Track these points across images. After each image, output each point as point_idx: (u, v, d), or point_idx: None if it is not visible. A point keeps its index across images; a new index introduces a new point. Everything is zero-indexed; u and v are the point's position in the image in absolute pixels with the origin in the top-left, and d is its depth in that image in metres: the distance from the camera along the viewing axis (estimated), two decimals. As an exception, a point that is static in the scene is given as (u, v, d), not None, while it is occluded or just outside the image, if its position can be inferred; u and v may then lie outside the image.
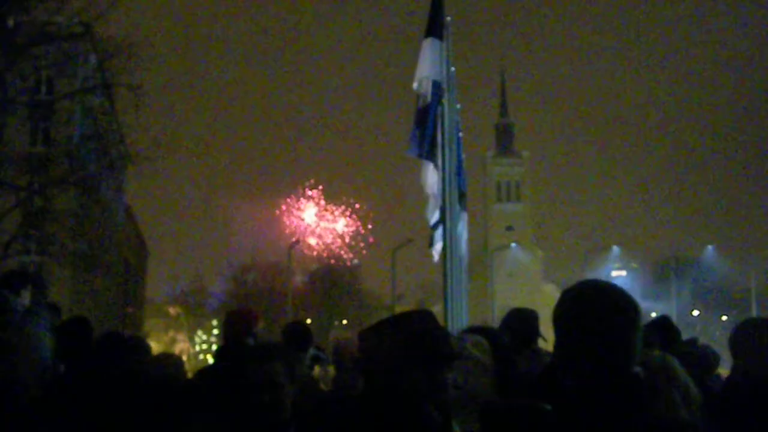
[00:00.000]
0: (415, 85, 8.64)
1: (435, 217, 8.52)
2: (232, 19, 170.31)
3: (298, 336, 6.66)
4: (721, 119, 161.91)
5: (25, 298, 6.36)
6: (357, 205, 68.86)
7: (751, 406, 3.76)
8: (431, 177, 8.43)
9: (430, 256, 8.94)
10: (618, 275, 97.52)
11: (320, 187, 65.77)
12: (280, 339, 6.66)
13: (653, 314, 6.87)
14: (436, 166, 8.42)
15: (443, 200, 8.47)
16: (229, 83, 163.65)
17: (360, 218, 70.22)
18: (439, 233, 8.60)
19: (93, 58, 34.13)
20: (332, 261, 71.43)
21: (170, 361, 5.27)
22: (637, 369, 2.34)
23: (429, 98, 8.52)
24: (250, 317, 5.60)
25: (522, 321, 6.04)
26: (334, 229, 70.30)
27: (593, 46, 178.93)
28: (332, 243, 71.03)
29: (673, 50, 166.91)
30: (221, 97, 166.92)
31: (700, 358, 6.27)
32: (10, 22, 29.02)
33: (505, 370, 3.77)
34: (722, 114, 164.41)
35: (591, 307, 2.34)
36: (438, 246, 8.73)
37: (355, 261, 74.47)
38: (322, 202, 70.82)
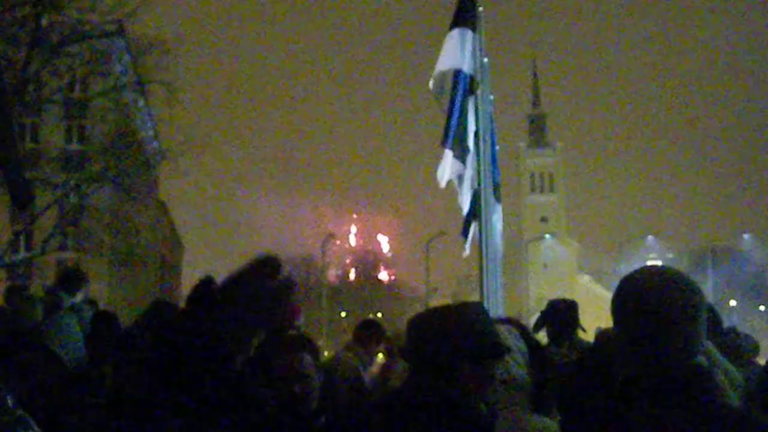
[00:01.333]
0: (436, 74, 8.59)
1: (466, 206, 8.49)
2: (264, 13, 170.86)
3: (370, 332, 6.86)
4: (759, 104, 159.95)
5: (78, 298, 6.45)
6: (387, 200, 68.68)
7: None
8: (452, 167, 8.38)
9: (463, 248, 8.91)
10: (653, 265, 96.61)
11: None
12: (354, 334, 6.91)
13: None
14: (458, 157, 8.36)
15: (478, 192, 8.42)
16: (262, 78, 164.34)
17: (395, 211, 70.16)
18: (472, 227, 8.56)
19: (126, 56, 34.38)
20: (368, 249, 71.60)
21: None
22: (700, 358, 2.30)
23: (451, 90, 8.47)
24: (293, 310, 5.64)
25: (561, 312, 6.02)
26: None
27: (626, 34, 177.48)
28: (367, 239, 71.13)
29: (705, 36, 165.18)
30: (256, 91, 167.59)
31: (740, 347, 6.21)
32: (44, 22, 29.28)
33: (541, 360, 3.75)
34: (760, 99, 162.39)
35: (655, 293, 2.29)
36: (469, 240, 8.71)
37: (389, 254, 74.67)
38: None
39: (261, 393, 3.52)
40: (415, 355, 2.73)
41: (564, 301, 6.22)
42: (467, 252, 8.90)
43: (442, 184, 8.32)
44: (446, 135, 8.31)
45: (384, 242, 79.27)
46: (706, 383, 2.25)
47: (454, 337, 2.62)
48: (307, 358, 3.49)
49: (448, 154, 8.34)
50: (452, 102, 8.45)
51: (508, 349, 2.89)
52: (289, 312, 5.62)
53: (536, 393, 3.45)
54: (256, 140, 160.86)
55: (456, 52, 8.59)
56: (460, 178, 8.49)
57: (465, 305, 2.80)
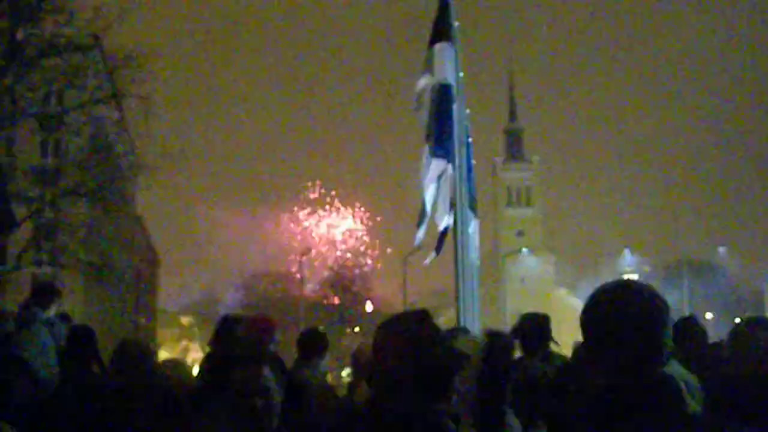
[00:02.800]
0: (418, 89, 8.67)
1: (444, 222, 8.50)
2: (239, 29, 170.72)
3: (314, 342, 6.70)
4: (733, 120, 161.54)
5: (52, 311, 6.43)
6: (363, 210, 68.85)
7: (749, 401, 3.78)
8: (432, 175, 8.42)
9: (430, 257, 8.93)
10: (619, 280, 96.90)
11: (325, 191, 65.71)
12: (295, 347, 6.70)
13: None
14: (441, 156, 8.40)
15: (454, 205, 8.45)
16: (238, 93, 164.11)
17: (367, 223, 70.28)
18: (438, 239, 8.60)
19: (102, 70, 34.25)
20: (347, 259, 71.53)
21: (176, 366, 5.23)
22: (665, 368, 2.38)
23: (438, 101, 8.53)
24: (271, 325, 5.60)
25: (534, 325, 6.09)
26: (345, 232, 70.24)
27: (602, 48, 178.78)
28: (342, 246, 70.98)
29: (681, 51, 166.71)
30: (230, 107, 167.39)
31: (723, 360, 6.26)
32: (20, 35, 29.15)
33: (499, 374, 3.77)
34: (733, 115, 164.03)
35: (623, 306, 2.39)
36: (432, 252, 8.76)
37: (366, 267, 74.61)
38: (329, 208, 70.80)
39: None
40: (375, 373, 2.70)
41: (536, 314, 6.30)
42: (427, 262, 8.95)
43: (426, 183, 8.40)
44: (436, 141, 8.37)
45: (364, 260, 79.23)
46: (669, 392, 2.32)
47: (408, 354, 2.59)
48: (267, 371, 3.45)
49: (433, 162, 8.40)
50: (443, 112, 8.52)
51: (466, 362, 2.87)
52: (262, 330, 5.58)
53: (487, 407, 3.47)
54: (235, 153, 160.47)
55: (445, 65, 8.69)
56: (438, 191, 8.51)
57: (410, 314, 2.77)
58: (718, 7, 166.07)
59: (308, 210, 72.90)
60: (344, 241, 75.08)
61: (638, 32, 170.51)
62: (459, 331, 6.25)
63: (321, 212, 72.93)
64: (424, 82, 8.73)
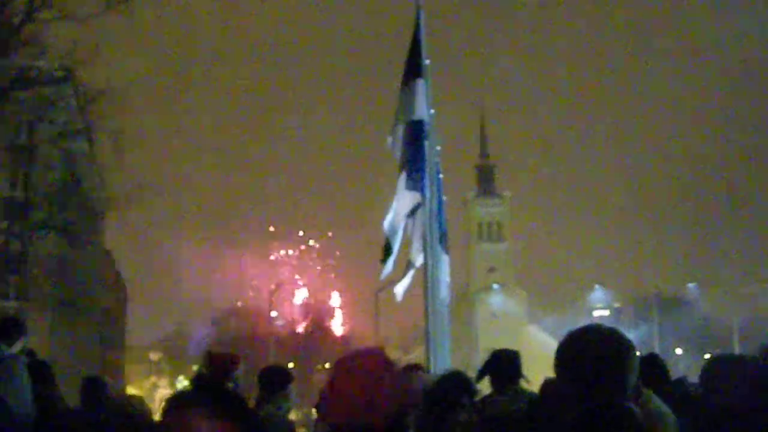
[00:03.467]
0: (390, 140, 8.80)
1: (419, 260, 8.54)
2: (209, 65, 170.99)
3: (275, 378, 6.65)
4: (704, 156, 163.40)
5: (17, 347, 6.33)
6: (334, 245, 68.90)
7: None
8: (404, 210, 8.47)
9: (397, 293, 8.95)
10: (601, 315, 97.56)
11: (296, 228, 65.69)
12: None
13: (637, 353, 6.78)
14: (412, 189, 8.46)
15: (424, 242, 8.48)
16: (209, 127, 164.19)
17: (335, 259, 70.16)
18: (409, 274, 8.63)
19: (74, 103, 34.13)
20: (317, 294, 71.36)
21: (141, 403, 5.17)
22: (630, 403, 2.62)
23: (413, 138, 8.62)
24: (231, 361, 5.54)
25: (504, 362, 6.10)
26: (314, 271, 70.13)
27: (572, 83, 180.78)
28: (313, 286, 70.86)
29: (649, 84, 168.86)
30: (204, 143, 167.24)
31: (688, 395, 6.28)
32: (-9, 67, 29.04)
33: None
34: (705, 150, 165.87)
35: (592, 348, 2.71)
36: (402, 286, 8.78)
37: (338, 305, 74.45)
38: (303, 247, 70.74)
39: None
40: (329, 411, 2.68)
41: (506, 351, 6.32)
42: (399, 298, 8.97)
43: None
44: (410, 176, 8.43)
45: (335, 295, 79.06)
46: (627, 424, 2.51)
47: (361, 392, 2.58)
48: (192, 413, 3.38)
49: (407, 195, 8.45)
50: (417, 147, 8.59)
51: (416, 402, 2.91)
52: (225, 362, 5.54)
53: None
54: (206, 189, 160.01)
55: (418, 101, 8.78)
56: (405, 227, 8.55)
57: (363, 354, 2.74)
58: (689, 45, 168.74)
59: (279, 246, 72.79)
60: (315, 276, 74.91)
61: (609, 68, 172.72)
62: (414, 368, 6.26)
63: (291, 250, 72.88)
64: (401, 122, 8.83)
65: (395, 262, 8.74)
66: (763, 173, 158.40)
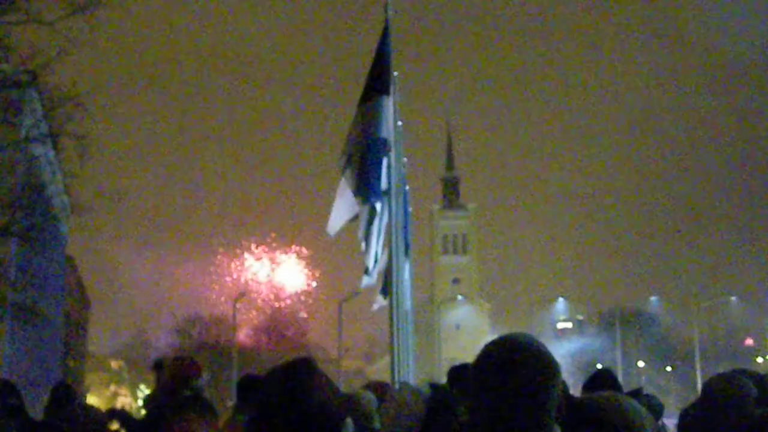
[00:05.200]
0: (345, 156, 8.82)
1: (371, 266, 8.55)
2: (177, 69, 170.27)
3: (250, 388, 6.63)
4: (666, 169, 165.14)
5: None
6: (304, 251, 68.75)
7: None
8: (364, 226, 8.51)
9: (371, 306, 8.98)
10: (564, 327, 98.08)
11: (262, 236, 65.43)
12: (234, 392, 6.63)
13: (599, 365, 6.89)
14: (372, 217, 8.50)
15: (389, 253, 8.51)
16: (174, 136, 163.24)
17: (307, 267, 69.99)
18: (378, 285, 8.66)
19: (39, 108, 33.78)
20: (280, 305, 71.04)
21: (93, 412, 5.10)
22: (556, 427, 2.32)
23: (370, 154, 8.63)
24: (191, 368, 5.47)
25: (464, 374, 6.13)
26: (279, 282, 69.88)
27: (537, 98, 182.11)
28: (279, 295, 70.64)
29: (613, 104, 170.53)
30: (168, 147, 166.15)
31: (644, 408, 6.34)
32: (-47, 71, 28.68)
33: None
34: (667, 163, 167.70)
35: (506, 364, 2.30)
36: (380, 298, 8.79)
37: (303, 314, 74.18)
38: (271, 254, 70.52)
39: None
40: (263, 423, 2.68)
41: (466, 365, 6.35)
42: (375, 308, 8.99)
43: (332, 232, 8.48)
44: (364, 190, 8.45)
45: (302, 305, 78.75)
46: None
47: (292, 403, 2.58)
48: (195, 419, 3.41)
49: (364, 211, 8.46)
50: (378, 163, 8.61)
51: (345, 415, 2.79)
52: (185, 372, 5.49)
53: None
54: (171, 196, 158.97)
55: (381, 119, 8.79)
56: (367, 240, 8.57)
57: (293, 366, 2.74)
58: (648, 60, 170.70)
59: (244, 254, 72.38)
60: (281, 287, 74.56)
61: (573, 84, 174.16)
62: (376, 386, 6.20)
63: (257, 258, 72.50)
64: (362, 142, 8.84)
65: (377, 274, 8.77)
66: (723, 189, 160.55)
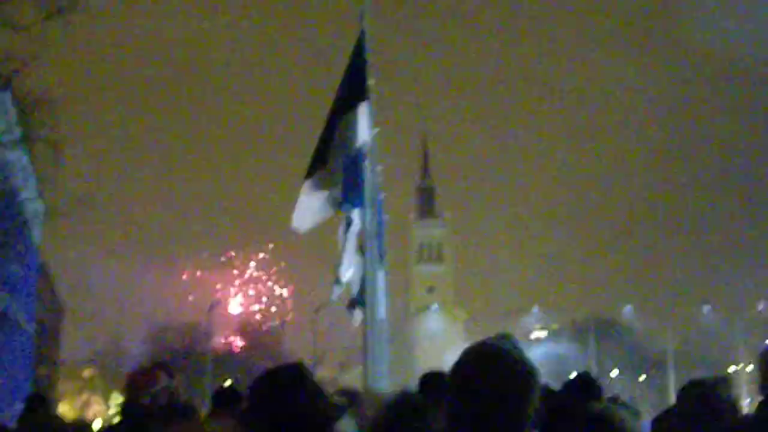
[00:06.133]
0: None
1: (347, 276, 8.54)
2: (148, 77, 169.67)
3: (225, 397, 6.66)
4: (638, 181, 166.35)
5: None
6: (281, 264, 68.64)
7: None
8: (342, 235, 8.51)
9: (350, 318, 8.93)
10: (538, 336, 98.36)
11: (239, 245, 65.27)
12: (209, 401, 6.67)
13: (573, 374, 6.94)
14: (348, 224, 8.50)
15: (364, 261, 8.48)
16: (149, 140, 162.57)
17: (281, 278, 69.86)
18: (353, 295, 8.63)
19: (11, 112, 33.52)
20: (258, 316, 70.88)
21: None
22: None
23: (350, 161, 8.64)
24: (149, 377, 5.48)
25: (436, 382, 6.13)
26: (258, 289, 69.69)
27: (512, 108, 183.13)
28: (255, 304, 70.46)
29: (583, 111, 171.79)
30: (143, 153, 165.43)
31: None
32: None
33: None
34: (639, 175, 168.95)
35: (485, 371, 2.30)
36: (358, 310, 8.75)
37: (277, 323, 74.02)
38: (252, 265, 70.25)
39: None
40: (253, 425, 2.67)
41: (438, 372, 6.36)
42: (357, 323, 8.95)
43: (302, 230, 8.48)
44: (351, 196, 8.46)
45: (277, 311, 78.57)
46: None
47: (282, 406, 2.59)
48: (179, 427, 3.40)
49: (343, 221, 8.46)
50: (358, 170, 8.62)
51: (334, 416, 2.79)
52: (140, 381, 5.49)
53: None
54: (145, 203, 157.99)
55: (360, 126, 8.81)
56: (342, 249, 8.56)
57: (283, 370, 2.74)
58: (622, 75, 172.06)
59: (221, 262, 72.14)
60: (257, 294, 74.37)
61: (545, 95, 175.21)
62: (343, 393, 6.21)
63: (233, 266, 72.30)
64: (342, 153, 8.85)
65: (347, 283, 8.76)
66: (696, 198, 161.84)
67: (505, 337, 2.37)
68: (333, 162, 8.68)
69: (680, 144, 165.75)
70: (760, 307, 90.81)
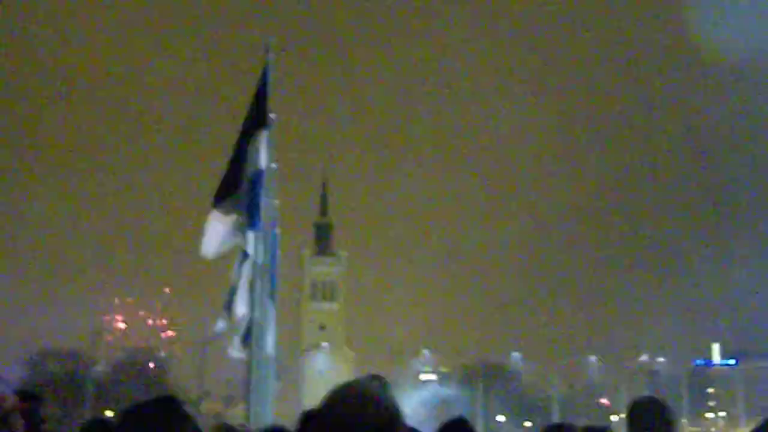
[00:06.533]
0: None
1: (240, 310, 8.44)
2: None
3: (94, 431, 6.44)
4: (529, 227, 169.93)
5: None
6: (167, 289, 67.41)
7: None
8: (237, 269, 8.43)
9: (235, 351, 8.81)
10: (427, 378, 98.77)
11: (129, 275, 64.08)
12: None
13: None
14: (244, 257, 8.43)
15: (252, 296, 8.39)
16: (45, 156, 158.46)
17: (166, 311, 68.66)
18: (241, 329, 8.52)
19: None
20: (141, 343, 69.28)
21: None
22: None
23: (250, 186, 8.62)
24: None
25: (314, 420, 6.10)
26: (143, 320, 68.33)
27: (411, 149, 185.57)
28: (139, 334, 69.03)
29: (480, 157, 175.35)
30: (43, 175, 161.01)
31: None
32: None
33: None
34: (531, 221, 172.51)
35: (350, 411, 2.31)
36: (236, 342, 8.66)
37: (162, 354, 72.56)
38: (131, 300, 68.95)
39: None
40: None
41: (317, 411, 6.32)
42: (236, 354, 8.83)
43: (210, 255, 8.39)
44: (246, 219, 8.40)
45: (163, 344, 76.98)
46: None
47: None
48: None
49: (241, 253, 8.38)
50: (256, 196, 8.59)
51: None
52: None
53: None
54: (23, 224, 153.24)
55: (260, 152, 8.80)
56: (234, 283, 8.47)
57: (154, 403, 2.70)
58: (549, 98, 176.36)
59: (107, 291, 70.44)
60: (145, 326, 72.83)
61: (448, 135, 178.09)
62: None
63: (121, 296, 70.72)
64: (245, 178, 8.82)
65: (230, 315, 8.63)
66: (581, 249, 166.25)
67: (375, 378, 2.38)
68: (240, 187, 8.68)
69: (561, 202, 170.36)
70: (642, 357, 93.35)
